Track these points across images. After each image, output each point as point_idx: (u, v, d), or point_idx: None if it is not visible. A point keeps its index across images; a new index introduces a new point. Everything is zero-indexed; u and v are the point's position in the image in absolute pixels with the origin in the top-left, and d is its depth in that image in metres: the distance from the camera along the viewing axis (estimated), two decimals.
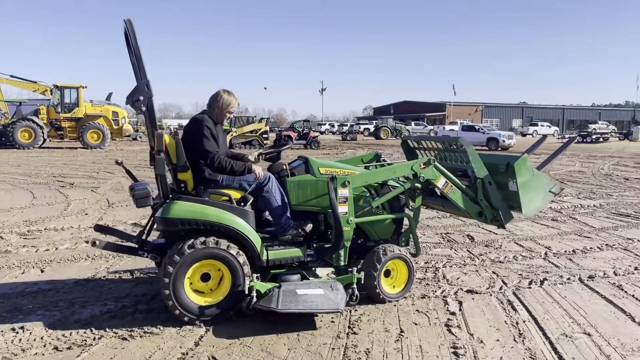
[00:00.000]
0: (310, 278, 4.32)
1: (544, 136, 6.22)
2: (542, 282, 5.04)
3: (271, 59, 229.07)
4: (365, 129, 52.03)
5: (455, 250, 6.32)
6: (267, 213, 4.51)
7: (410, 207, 4.94)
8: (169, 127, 51.81)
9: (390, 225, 4.85)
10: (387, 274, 4.55)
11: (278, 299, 3.81)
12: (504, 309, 4.36)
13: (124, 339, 3.72)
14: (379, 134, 46.03)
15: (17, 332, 3.80)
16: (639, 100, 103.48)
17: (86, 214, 8.55)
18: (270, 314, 3.89)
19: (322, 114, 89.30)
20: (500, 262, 5.78)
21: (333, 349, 3.62)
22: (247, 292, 3.95)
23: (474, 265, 5.66)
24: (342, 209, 4.25)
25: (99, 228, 4.52)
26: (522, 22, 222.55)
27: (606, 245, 6.58)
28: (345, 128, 56.36)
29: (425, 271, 5.41)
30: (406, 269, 4.57)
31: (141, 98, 3.83)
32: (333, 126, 69.31)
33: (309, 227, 4.52)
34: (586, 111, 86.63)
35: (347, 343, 3.70)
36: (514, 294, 4.74)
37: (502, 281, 5.09)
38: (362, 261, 4.51)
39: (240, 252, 4.02)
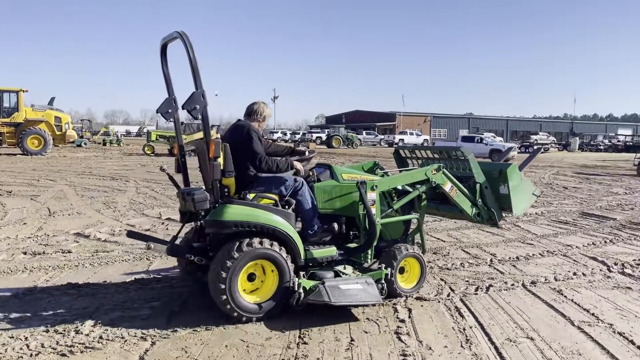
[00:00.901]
0: (342, 275, 4.61)
1: (510, 148, 7.63)
2: (487, 289, 5.18)
3: (223, 66, 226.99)
4: (317, 137, 52.30)
5: None
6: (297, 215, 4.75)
7: (417, 210, 5.42)
8: (116, 134, 50.27)
9: (401, 226, 5.42)
10: (402, 271, 4.92)
11: (327, 293, 4.12)
12: (452, 316, 4.45)
13: (64, 354, 3.54)
14: (331, 143, 46.36)
15: None
16: (576, 113, 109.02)
17: (24, 223, 8.14)
18: (219, 322, 3.81)
19: (274, 122, 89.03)
20: (448, 269, 5.90)
21: (283, 359, 3.58)
22: (295, 288, 4.18)
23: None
24: (372, 211, 4.66)
25: (131, 234, 4.61)
26: (468, 37, 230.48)
27: (547, 251, 6.85)
28: (298, 136, 56.47)
29: None
30: (419, 266, 4.98)
31: (197, 107, 4.04)
32: (285, 134, 69.20)
33: (336, 228, 4.78)
34: (528, 123, 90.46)
35: (298, 353, 3.67)
36: (461, 300, 4.84)
37: (450, 288, 5.19)
38: (376, 260, 4.96)
39: (286, 252, 4.26)
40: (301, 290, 4.19)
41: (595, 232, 8.23)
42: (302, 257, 4.39)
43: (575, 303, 4.81)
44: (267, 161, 4.50)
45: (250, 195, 4.40)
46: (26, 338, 3.78)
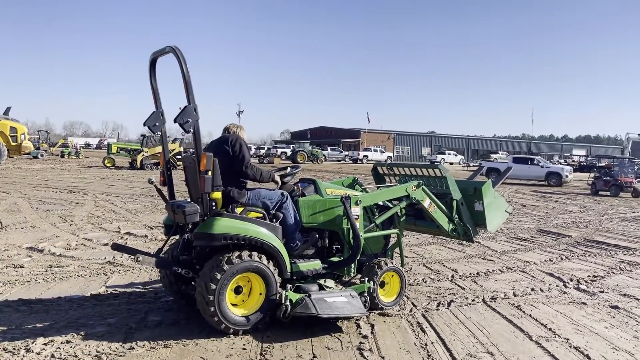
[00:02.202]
0: (326, 288, 4.65)
1: (480, 167, 7.80)
2: (449, 304, 5.24)
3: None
4: (282, 152, 52.21)
5: None
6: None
7: (397, 225, 5.50)
8: (75, 145, 48.93)
9: (381, 240, 5.53)
10: (382, 284, 5.00)
11: (314, 306, 4.15)
12: (414, 331, 4.47)
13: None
14: (295, 158, 46.35)
15: None
16: (533, 134, 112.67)
17: None
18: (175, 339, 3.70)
19: None
20: (410, 284, 5.94)
21: None
22: (282, 301, 4.20)
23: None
24: (357, 225, 4.71)
25: (117, 247, 4.46)
26: (430, 57, 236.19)
27: (506, 267, 6.99)
28: (263, 151, 56.26)
29: None
30: (399, 280, 5.08)
31: (190, 120, 4.06)
32: (250, 149, 68.89)
33: (318, 242, 4.85)
34: (488, 142, 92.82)
35: None
36: (423, 315, 4.88)
37: (412, 303, 5.22)
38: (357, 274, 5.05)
39: (273, 265, 4.29)
40: (288, 303, 4.21)
41: (552, 249, 8.47)
42: (288, 270, 4.42)
43: (533, 318, 4.91)
44: (252, 168, 4.55)
45: (238, 210, 4.41)
46: None
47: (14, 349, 3.76)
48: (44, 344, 3.86)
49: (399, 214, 5.43)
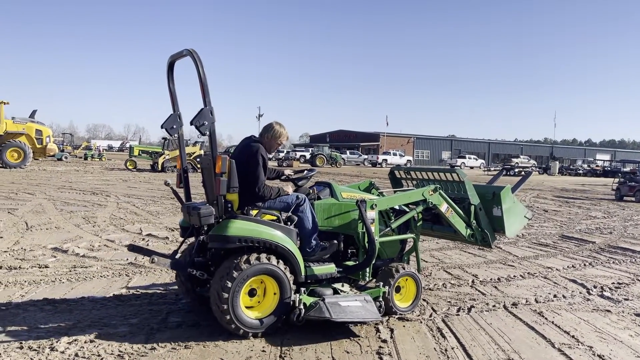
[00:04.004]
0: (341, 293, 4.64)
1: (501, 171, 7.58)
2: (469, 310, 5.19)
3: (209, 82, 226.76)
4: (301, 155, 52.36)
5: None
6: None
7: (414, 230, 5.43)
8: (98, 148, 49.78)
9: (397, 245, 5.52)
10: (398, 289, 4.96)
11: (328, 310, 4.14)
12: (434, 336, 4.44)
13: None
14: (314, 161, 46.46)
15: None
16: (556, 138, 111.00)
17: (1, 237, 7.97)
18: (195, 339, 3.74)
19: None
20: (430, 289, 5.90)
21: None
22: (296, 304, 4.21)
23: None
24: (372, 229, 4.67)
25: (133, 248, 4.54)
26: (453, 59, 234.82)
27: (528, 273, 6.90)
28: (282, 154, 56.49)
29: None
30: (415, 285, 5.03)
31: (205, 123, 4.07)
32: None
33: (334, 246, 4.80)
34: (509, 146, 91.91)
35: None
36: (443, 321, 4.84)
37: (432, 308, 5.19)
38: (372, 278, 4.99)
39: (288, 268, 4.29)
40: (302, 307, 4.21)
41: (575, 255, 8.33)
42: (303, 274, 4.41)
43: (556, 325, 4.84)
44: (264, 190, 4.49)
45: (254, 212, 4.42)
46: None
47: (39, 347, 3.83)
48: (68, 343, 3.93)
49: (416, 219, 5.39)
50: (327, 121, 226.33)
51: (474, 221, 5.52)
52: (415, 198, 5.22)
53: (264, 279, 4.23)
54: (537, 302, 5.58)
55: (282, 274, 4.23)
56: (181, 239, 4.89)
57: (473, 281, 6.36)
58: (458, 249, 8.45)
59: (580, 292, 6.03)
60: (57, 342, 3.93)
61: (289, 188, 4.81)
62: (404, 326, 4.67)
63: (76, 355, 3.72)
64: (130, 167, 29.26)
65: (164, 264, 4.32)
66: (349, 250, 5.08)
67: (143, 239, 8.26)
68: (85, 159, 41.47)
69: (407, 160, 58.77)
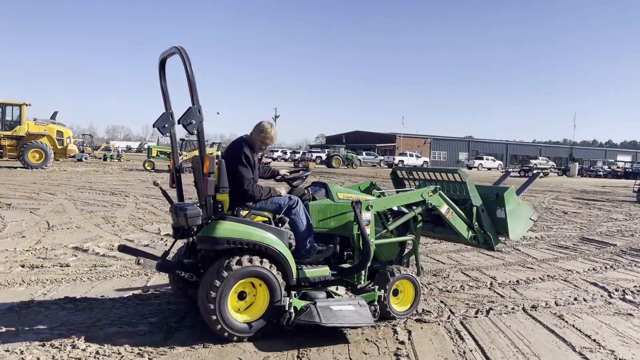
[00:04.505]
0: (335, 296, 4.55)
1: (509, 172, 7.24)
2: (488, 312, 5.14)
3: (225, 84, 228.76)
4: (317, 156, 52.41)
5: None
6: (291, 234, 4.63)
7: (413, 232, 5.28)
8: (117, 149, 50.42)
9: (396, 247, 5.39)
10: (395, 293, 4.86)
11: (319, 314, 4.04)
12: (452, 338, 4.41)
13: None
14: (330, 162, 46.47)
15: None
16: (575, 139, 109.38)
17: (23, 236, 8.11)
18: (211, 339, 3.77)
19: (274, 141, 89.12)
20: (447, 291, 5.86)
21: None
22: (286, 308, 4.12)
23: (423, 294, 5.68)
24: (366, 231, 4.56)
25: (124, 249, 4.49)
26: (470, 60, 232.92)
27: (547, 276, 6.81)
28: (298, 155, 56.60)
29: None
30: (413, 288, 4.92)
31: (193, 122, 4.03)
32: (285, 153, 69.40)
33: (330, 249, 4.73)
34: (528, 147, 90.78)
35: None
36: (461, 323, 4.81)
37: (450, 310, 5.15)
38: (370, 281, 4.89)
39: (278, 271, 4.19)
40: (292, 310, 4.14)
41: (596, 258, 8.20)
42: (294, 277, 4.31)
43: (577, 328, 4.77)
44: (253, 189, 4.38)
45: (244, 212, 4.34)
46: (22, 352, 3.75)
47: (61, 345, 3.90)
48: (88, 340, 3.99)
49: (417, 220, 5.24)
50: (343, 122, 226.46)
51: (476, 223, 5.35)
52: (414, 199, 5.08)
53: (255, 282, 4.15)
54: (557, 305, 5.51)
55: (272, 276, 4.13)
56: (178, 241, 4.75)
57: (491, 283, 6.30)
58: (475, 250, 8.36)
59: (601, 296, 5.93)
60: (78, 339, 3.99)
61: (282, 189, 4.70)
62: (421, 328, 4.64)
63: (97, 353, 3.77)
64: (148, 168, 29.55)
65: (150, 265, 4.25)
66: (345, 253, 4.96)
67: (161, 239, 8.34)
68: (105, 159, 42.01)
69: (424, 161, 58.47)
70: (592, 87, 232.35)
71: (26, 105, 25.68)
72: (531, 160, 56.83)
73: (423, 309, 5.13)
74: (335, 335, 4.33)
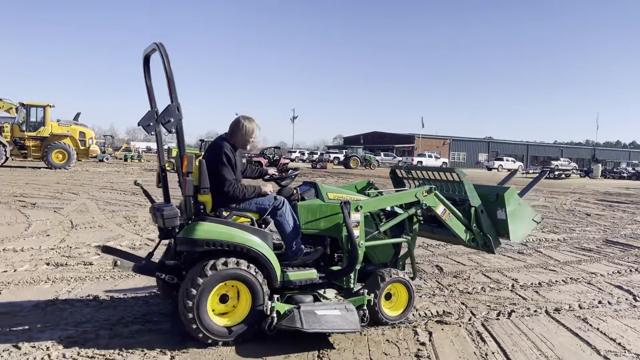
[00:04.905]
0: (322, 300, 4.46)
1: (515, 170, 6.84)
2: (509, 314, 5.09)
3: (243, 85, 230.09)
4: (335, 157, 52.38)
5: (424, 280, 6.33)
6: (278, 236, 4.57)
7: (409, 233, 5.14)
8: (137, 150, 51.11)
9: (390, 249, 5.16)
10: (388, 297, 4.72)
11: (301, 319, 3.91)
12: (473, 340, 4.37)
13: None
14: (348, 163, 46.42)
15: None
16: (598, 140, 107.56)
17: (47, 235, 8.27)
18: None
19: (292, 142, 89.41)
20: (468, 293, 5.81)
21: None
22: (268, 312, 3.98)
23: (443, 295, 5.68)
24: (354, 232, 4.41)
25: (106, 249, 4.40)
26: (490, 59, 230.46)
27: (570, 278, 6.71)
28: (316, 156, 56.62)
29: None
30: (406, 292, 4.75)
31: (172, 120, 3.96)
32: (303, 154, 69.55)
33: (319, 251, 4.59)
34: (549, 148, 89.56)
35: None
36: (483, 325, 4.76)
37: (471, 312, 5.11)
38: (363, 284, 4.71)
39: (261, 274, 4.08)
40: (274, 315, 3.97)
41: (620, 261, 8.05)
42: (279, 280, 4.18)
43: (601, 332, 4.70)
44: (234, 190, 4.23)
45: (226, 213, 4.25)
46: (47, 348, 3.82)
47: (85, 341, 3.97)
48: (112, 337, 4.06)
49: (412, 221, 5.09)
50: (361, 123, 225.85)
51: (475, 224, 5.11)
52: (407, 199, 4.89)
53: (236, 284, 4.03)
54: (580, 308, 5.43)
55: (253, 279, 4.00)
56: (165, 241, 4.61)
57: (513, 285, 6.23)
58: (496, 252, 8.28)
59: (626, 299, 5.82)
60: (102, 336, 4.06)
61: (268, 187, 4.48)
62: (442, 329, 4.61)
63: (120, 349, 3.83)
64: (168, 168, 29.78)
65: (128, 267, 4.14)
66: (336, 255, 4.76)
67: None
68: (125, 160, 42.59)
69: (443, 162, 58.08)
70: (616, 87, 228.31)
71: (50, 106, 26.18)
72: (552, 162, 56.01)
73: (444, 311, 5.10)
74: (355, 336, 4.32)
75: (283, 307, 4.05)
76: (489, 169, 59.94)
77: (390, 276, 4.65)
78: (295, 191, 4.77)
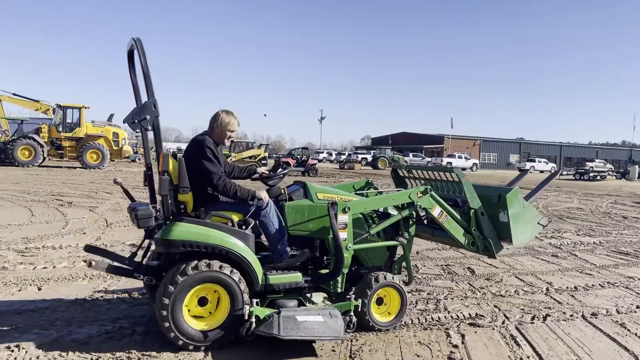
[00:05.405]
0: (307, 304, 4.31)
1: (525, 171, 6.39)
2: (545, 318, 4.99)
3: (272, 86, 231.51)
4: (363, 158, 52.18)
5: (456, 282, 6.27)
6: (263, 238, 4.45)
7: (405, 236, 4.86)
8: (168, 150, 51.92)
9: (384, 252, 4.86)
10: (380, 301, 4.54)
11: (279, 325, 3.71)
12: (507, 344, 4.31)
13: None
14: (376, 164, 46.22)
15: (12, 351, 3.73)
16: (635, 141, 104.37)
17: (84, 233, 8.49)
18: (270, 340, 3.83)
19: (320, 142, 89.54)
20: (501, 295, 5.73)
21: None
22: (246, 317, 3.84)
23: (475, 298, 5.61)
24: (341, 235, 4.21)
25: (90, 249, 4.36)
26: (522, 59, 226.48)
27: (608, 282, 6.54)
28: (343, 157, 56.54)
29: (427, 302, 5.35)
30: (399, 298, 4.55)
31: (148, 117, 3.88)
32: (331, 154, 69.58)
33: (305, 253, 4.39)
34: (583, 149, 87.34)
35: None
36: (517, 328, 4.69)
37: (505, 315, 5.03)
38: (354, 288, 4.50)
39: (241, 277, 3.93)
40: (253, 319, 3.83)
41: None
42: (260, 283, 4.02)
43: None
44: (225, 183, 4.10)
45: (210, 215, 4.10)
46: (86, 343, 3.92)
47: (122, 337, 4.07)
48: (147, 333, 4.15)
49: (408, 223, 4.79)
50: (389, 123, 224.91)
51: (475, 227, 4.77)
52: (401, 200, 4.62)
53: (216, 288, 3.90)
54: (618, 312, 5.29)
55: (232, 283, 3.86)
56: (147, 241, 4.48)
57: (547, 289, 6.11)
58: (530, 255, 8.15)
59: None
60: (138, 332, 4.16)
61: (264, 194, 4.25)
62: (475, 332, 4.56)
63: (155, 343, 3.92)
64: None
65: (102, 267, 4.06)
66: (325, 258, 4.57)
67: None
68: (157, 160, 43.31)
69: (473, 163, 57.25)
70: None
71: (85, 108, 26.88)
72: (587, 163, 54.55)
73: (477, 313, 5.04)
74: (387, 337, 4.32)
75: (263, 312, 3.89)
76: (521, 170, 58.85)
77: (381, 280, 4.44)
78: (283, 191, 4.58)
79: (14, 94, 27.77)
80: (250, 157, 30.27)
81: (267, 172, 4.78)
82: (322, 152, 70.49)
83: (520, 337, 4.46)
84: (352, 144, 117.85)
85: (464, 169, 54.32)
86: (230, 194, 4.13)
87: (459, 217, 4.76)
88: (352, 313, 4.27)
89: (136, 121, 3.93)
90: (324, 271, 4.44)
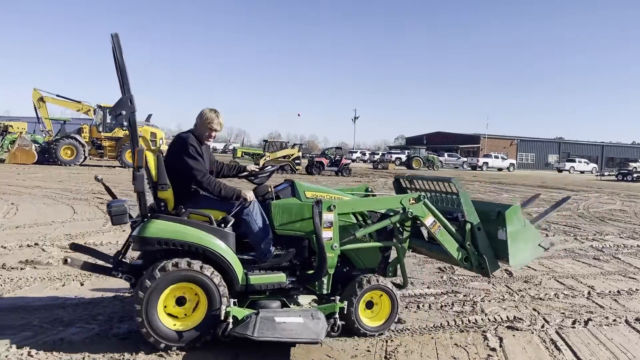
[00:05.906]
0: (292, 306, 4.22)
1: (537, 194, 5.94)
2: (586, 322, 4.85)
3: (307, 86, 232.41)
4: (397, 158, 51.82)
5: (493, 284, 6.16)
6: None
7: (399, 239, 4.60)
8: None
9: (377, 253, 4.68)
10: (370, 305, 4.39)
11: (254, 326, 3.62)
12: (547, 348, 4.21)
13: (161, 355, 3.73)
14: (410, 164, 45.80)
15: (56, 344, 3.86)
16: None
17: (124, 230, 8.70)
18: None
19: (353, 142, 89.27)
20: (540, 299, 5.60)
21: None
22: (222, 317, 3.75)
23: (513, 300, 5.50)
24: (326, 234, 4.08)
25: (76, 247, 4.34)
26: (561, 57, 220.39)
27: None
28: (377, 157, 56.28)
29: (463, 304, 5.28)
30: (389, 301, 4.38)
31: (124, 112, 3.82)
32: (364, 154, 69.36)
33: (290, 253, 4.27)
34: (627, 149, 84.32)
35: None
36: (557, 333, 4.57)
37: (544, 319, 4.92)
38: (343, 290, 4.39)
39: (218, 276, 3.85)
40: (230, 320, 3.71)
41: None
42: (241, 283, 3.93)
43: None
44: (209, 181, 4.06)
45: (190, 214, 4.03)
46: (125, 338, 4.03)
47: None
48: None
49: (404, 231, 4.54)
50: (423, 123, 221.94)
51: (470, 243, 4.44)
52: (391, 205, 4.42)
53: (193, 287, 3.81)
54: None
55: (210, 282, 3.77)
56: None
57: (589, 293, 5.94)
58: (570, 257, 7.93)
59: None
60: None
61: (250, 194, 4.19)
62: (513, 335, 4.47)
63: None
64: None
65: (77, 265, 4.01)
66: (313, 258, 4.37)
67: None
68: None
69: (510, 163, 56.03)
70: None
71: None
72: (630, 163, 52.75)
73: (515, 316, 4.95)
74: (423, 337, 4.29)
75: (242, 313, 3.80)
76: (560, 170, 57.36)
77: (370, 283, 4.29)
78: (270, 189, 4.48)
79: (58, 95, 28.72)
80: (284, 157, 30.40)
81: (257, 169, 4.73)
82: (356, 152, 70.29)
83: (560, 342, 4.35)
84: (386, 143, 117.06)
85: (500, 169, 53.32)
86: (215, 192, 4.09)
87: (453, 230, 4.47)
88: (336, 315, 4.10)
89: (112, 115, 3.92)
90: (310, 272, 4.30)
